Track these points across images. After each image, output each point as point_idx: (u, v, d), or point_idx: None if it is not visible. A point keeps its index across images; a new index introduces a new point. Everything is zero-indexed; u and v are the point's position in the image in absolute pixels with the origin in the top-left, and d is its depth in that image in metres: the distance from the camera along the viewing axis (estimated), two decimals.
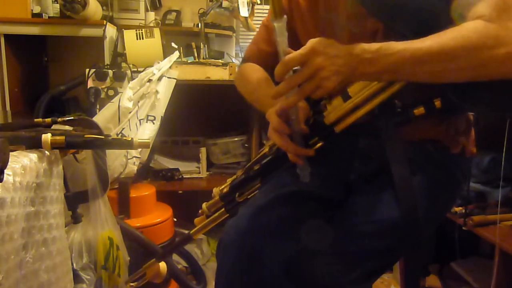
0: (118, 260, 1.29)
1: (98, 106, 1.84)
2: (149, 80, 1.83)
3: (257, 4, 2.27)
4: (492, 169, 1.63)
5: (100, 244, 1.24)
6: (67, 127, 1.06)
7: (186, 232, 1.07)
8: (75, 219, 1.17)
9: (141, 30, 2.05)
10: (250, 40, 2.63)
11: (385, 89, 0.76)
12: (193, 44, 2.26)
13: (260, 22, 2.34)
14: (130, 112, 1.78)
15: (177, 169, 2.18)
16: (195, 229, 1.02)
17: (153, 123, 1.84)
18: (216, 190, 1.04)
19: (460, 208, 1.54)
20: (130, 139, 0.91)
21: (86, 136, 0.90)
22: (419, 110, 0.79)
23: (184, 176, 2.19)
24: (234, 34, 2.59)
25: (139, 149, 1.74)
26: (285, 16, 0.68)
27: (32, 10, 1.96)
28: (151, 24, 2.33)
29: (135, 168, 1.79)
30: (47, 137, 0.84)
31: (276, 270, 0.82)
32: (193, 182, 2.17)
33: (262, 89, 0.97)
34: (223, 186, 1.01)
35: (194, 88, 2.06)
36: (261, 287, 0.82)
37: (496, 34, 0.64)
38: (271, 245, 0.82)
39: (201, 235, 1.13)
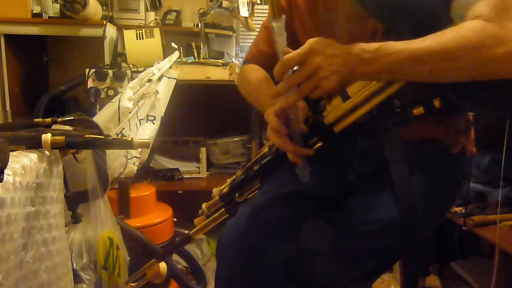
0: (118, 260, 1.29)
1: (98, 106, 1.84)
2: (149, 80, 1.83)
3: (257, 4, 2.27)
4: (492, 169, 1.63)
5: (100, 244, 1.24)
6: (67, 127, 1.06)
7: (186, 232, 1.07)
8: (75, 219, 1.17)
9: (141, 30, 2.05)
10: (250, 40, 2.66)
11: (384, 89, 0.76)
12: (193, 44, 2.26)
13: (260, 22, 2.36)
14: (130, 112, 1.78)
15: (177, 169, 2.18)
16: (195, 229, 1.02)
17: (153, 123, 1.84)
18: (215, 191, 1.04)
19: (460, 208, 1.54)
20: (130, 139, 0.91)
21: (86, 136, 0.90)
22: (418, 110, 0.79)
23: (184, 176, 2.19)
24: (234, 34, 2.59)
25: (139, 149, 1.74)
26: (283, 16, 0.68)
27: (32, 10, 1.96)
28: (151, 24, 2.33)
29: (135, 168, 1.79)
30: (47, 137, 0.84)
31: (275, 270, 0.82)
32: (193, 182, 2.17)
33: (262, 89, 0.98)
34: (222, 187, 1.01)
35: (194, 88, 2.06)
36: (261, 287, 0.82)
37: (495, 34, 0.64)
38: (270, 245, 0.83)
39: (201, 235, 1.14)
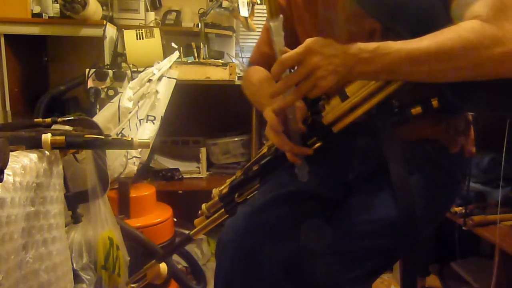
0: (118, 260, 1.29)
1: (98, 106, 1.84)
2: (149, 80, 1.84)
3: (257, 4, 2.27)
4: (492, 169, 1.63)
5: (100, 244, 1.24)
6: (67, 127, 1.06)
7: (186, 232, 1.07)
8: (75, 219, 1.17)
9: (141, 30, 2.05)
10: (250, 40, 2.66)
11: (382, 89, 0.76)
12: (193, 44, 2.26)
13: (260, 22, 2.36)
14: (130, 112, 1.78)
15: (177, 169, 2.19)
16: (195, 230, 1.02)
17: (153, 123, 1.85)
18: (215, 191, 1.04)
19: (460, 208, 1.54)
20: (130, 139, 0.91)
21: (86, 136, 0.90)
22: (417, 110, 0.79)
23: (184, 176, 2.19)
24: (234, 34, 2.59)
25: (139, 149, 1.74)
26: (281, 16, 0.68)
27: (32, 10, 1.96)
28: (151, 24, 2.33)
29: (135, 168, 1.79)
30: (47, 137, 0.84)
31: (275, 270, 0.82)
32: (193, 182, 2.17)
33: (263, 89, 0.98)
34: (222, 187, 1.01)
35: (194, 88, 2.07)
36: (260, 287, 0.82)
37: (493, 33, 0.64)
38: (270, 245, 0.83)
39: (201, 235, 1.14)
